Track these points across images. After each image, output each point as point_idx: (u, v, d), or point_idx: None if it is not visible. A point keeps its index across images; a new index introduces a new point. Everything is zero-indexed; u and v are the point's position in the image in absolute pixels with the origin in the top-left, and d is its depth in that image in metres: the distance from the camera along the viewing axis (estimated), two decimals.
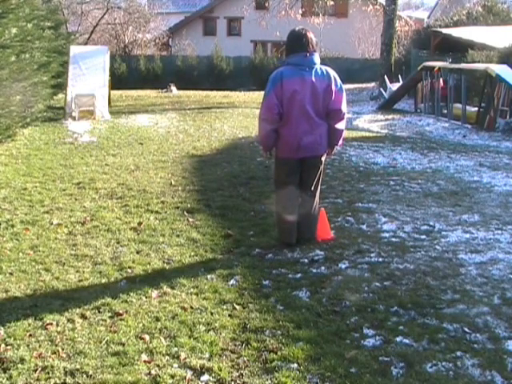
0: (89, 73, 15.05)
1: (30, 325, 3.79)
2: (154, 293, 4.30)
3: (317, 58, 5.09)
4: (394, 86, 19.98)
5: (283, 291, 4.37)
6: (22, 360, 3.36)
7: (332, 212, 6.22)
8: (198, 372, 3.28)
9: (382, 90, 21.16)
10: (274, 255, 5.13)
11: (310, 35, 5.10)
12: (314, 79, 5.02)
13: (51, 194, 7.10)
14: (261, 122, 5.13)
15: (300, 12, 26.43)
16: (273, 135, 5.09)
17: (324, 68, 5.12)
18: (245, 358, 3.43)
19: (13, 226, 5.86)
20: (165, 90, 24.79)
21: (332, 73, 5.12)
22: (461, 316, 3.94)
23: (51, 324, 3.80)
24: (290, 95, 4.97)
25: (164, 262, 4.99)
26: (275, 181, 5.43)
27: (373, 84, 24.57)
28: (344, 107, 5.16)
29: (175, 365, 3.35)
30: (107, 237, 5.59)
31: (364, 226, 5.89)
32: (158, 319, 3.90)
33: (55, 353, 3.46)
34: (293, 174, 5.24)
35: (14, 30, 10.51)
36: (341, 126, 5.19)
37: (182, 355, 3.43)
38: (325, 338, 3.66)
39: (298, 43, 5.08)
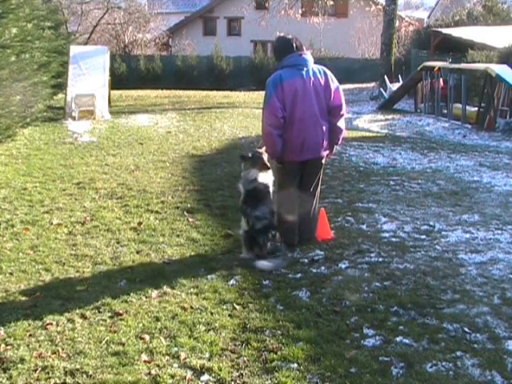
0: (89, 73, 15.03)
1: (30, 325, 3.79)
2: (154, 293, 4.30)
3: (311, 58, 5.14)
4: (394, 86, 19.97)
5: (283, 291, 4.37)
6: (22, 360, 3.37)
7: (332, 212, 6.21)
8: (198, 372, 3.29)
9: (381, 90, 21.15)
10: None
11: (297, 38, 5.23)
12: (313, 79, 5.04)
13: (51, 193, 7.10)
14: (266, 127, 5.08)
15: (300, 12, 26.44)
16: (279, 140, 5.07)
17: (319, 67, 5.18)
18: (245, 358, 3.43)
19: (13, 225, 5.86)
20: None
21: (328, 71, 5.17)
22: (461, 316, 3.94)
23: (51, 324, 3.80)
24: (292, 97, 4.98)
25: (164, 262, 4.99)
26: (277, 183, 5.41)
27: (373, 84, 24.56)
28: (344, 103, 5.20)
29: (175, 365, 3.35)
30: (107, 237, 5.59)
31: (364, 226, 5.89)
32: (158, 319, 3.90)
33: (55, 353, 3.46)
34: (294, 176, 5.24)
35: (14, 30, 10.50)
36: (342, 123, 5.23)
37: (182, 355, 3.43)
38: (325, 338, 3.66)
39: (289, 44, 5.15)
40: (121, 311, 3.99)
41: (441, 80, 16.62)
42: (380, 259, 4.99)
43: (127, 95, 21.34)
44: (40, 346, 3.54)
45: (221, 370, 3.29)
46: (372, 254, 5.09)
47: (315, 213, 5.43)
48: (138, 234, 5.67)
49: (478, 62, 17.19)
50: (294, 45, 5.12)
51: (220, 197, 7.03)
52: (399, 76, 21.49)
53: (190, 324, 3.83)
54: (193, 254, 5.18)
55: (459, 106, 15.68)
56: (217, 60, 28.52)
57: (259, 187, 5.06)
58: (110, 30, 31.34)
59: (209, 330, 3.75)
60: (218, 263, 4.93)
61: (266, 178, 5.13)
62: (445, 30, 22.08)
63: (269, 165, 5.17)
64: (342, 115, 5.22)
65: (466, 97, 15.59)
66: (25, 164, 8.82)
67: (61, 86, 15.31)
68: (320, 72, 5.11)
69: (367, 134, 13.48)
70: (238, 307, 4.10)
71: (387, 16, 21.65)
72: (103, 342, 3.58)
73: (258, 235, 4.95)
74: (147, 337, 3.65)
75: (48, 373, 3.26)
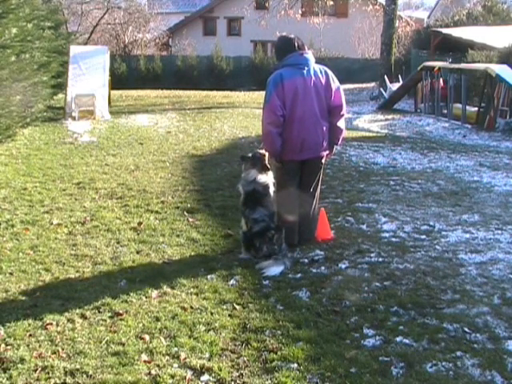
0: (89, 73, 15.03)
1: (30, 325, 3.79)
2: (154, 293, 4.30)
3: (312, 57, 5.13)
4: (394, 86, 19.97)
5: (283, 291, 4.37)
6: (22, 360, 3.36)
7: (332, 212, 6.21)
8: (198, 372, 3.29)
9: (381, 90, 21.15)
10: None
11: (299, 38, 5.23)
12: (314, 78, 5.04)
13: (51, 193, 7.10)
14: (266, 126, 5.08)
15: (300, 12, 26.45)
16: (279, 139, 5.07)
17: (321, 67, 5.18)
18: (245, 358, 3.43)
19: (13, 225, 5.86)
20: None
21: (329, 71, 5.18)
22: (461, 316, 3.94)
23: (51, 324, 3.80)
24: (292, 96, 4.98)
25: (164, 262, 4.99)
26: (276, 183, 5.41)
27: (373, 84, 24.57)
28: (344, 103, 5.20)
29: (175, 365, 3.35)
30: (107, 237, 5.59)
31: (364, 226, 5.89)
32: (158, 319, 3.90)
33: (55, 353, 3.46)
34: (294, 176, 5.24)
35: (14, 30, 10.51)
36: (342, 123, 5.23)
37: (182, 355, 3.43)
38: (325, 337, 3.66)
39: (291, 44, 5.15)
40: (121, 311, 3.99)
41: (441, 80, 16.62)
42: (380, 259, 4.99)
43: (127, 95, 21.34)
44: (40, 346, 3.54)
45: (221, 370, 3.29)
46: (372, 254, 5.09)
47: (315, 213, 5.43)
48: (138, 234, 5.67)
49: (478, 62, 17.18)
50: (296, 44, 5.12)
51: (220, 197, 7.03)
52: (399, 76, 21.50)
53: (190, 324, 3.83)
54: (193, 253, 5.18)
55: (459, 106, 15.69)
56: (217, 60, 28.53)
57: (258, 189, 5.06)
58: (110, 30, 31.32)
59: (209, 330, 3.75)
60: (217, 263, 4.93)
61: (266, 179, 5.12)
62: (445, 30, 22.08)
63: (269, 166, 5.16)
64: (342, 115, 5.22)
65: (466, 97, 15.59)
66: (25, 164, 8.82)
67: (61, 86, 15.31)
68: (321, 72, 5.11)
69: (367, 134, 13.48)
70: (238, 307, 4.10)
71: (387, 16, 21.66)
72: (103, 342, 3.58)
73: (254, 238, 4.96)
74: (147, 337, 3.65)
75: (48, 373, 3.26)
